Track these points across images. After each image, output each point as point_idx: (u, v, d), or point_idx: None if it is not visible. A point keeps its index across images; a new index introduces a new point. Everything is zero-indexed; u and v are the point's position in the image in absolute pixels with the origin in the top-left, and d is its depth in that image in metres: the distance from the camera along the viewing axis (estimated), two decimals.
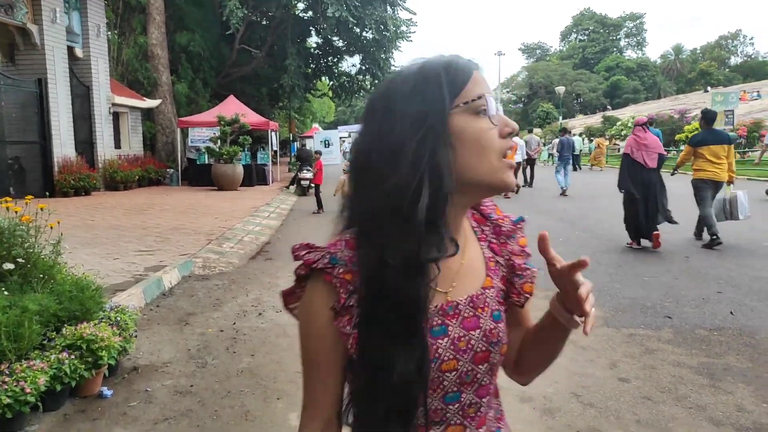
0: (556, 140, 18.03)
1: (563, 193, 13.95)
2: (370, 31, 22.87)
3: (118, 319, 3.40)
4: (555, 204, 12.24)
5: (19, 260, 3.28)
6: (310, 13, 24.00)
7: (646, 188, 7.01)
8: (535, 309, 0.92)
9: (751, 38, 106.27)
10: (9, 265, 3.19)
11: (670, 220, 7.18)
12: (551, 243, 0.79)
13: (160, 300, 4.98)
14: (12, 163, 11.38)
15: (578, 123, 49.47)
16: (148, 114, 18.28)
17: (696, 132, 7.93)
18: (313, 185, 12.44)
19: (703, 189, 7.26)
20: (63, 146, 12.36)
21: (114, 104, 15.03)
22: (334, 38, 25.21)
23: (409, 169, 0.71)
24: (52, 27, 12.02)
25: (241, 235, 7.94)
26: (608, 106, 62.58)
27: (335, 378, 0.79)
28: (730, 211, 7.26)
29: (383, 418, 0.73)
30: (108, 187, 14.12)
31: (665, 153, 7.56)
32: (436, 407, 0.80)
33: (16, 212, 3.42)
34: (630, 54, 79.71)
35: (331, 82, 28.39)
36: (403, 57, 44.87)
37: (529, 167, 16.44)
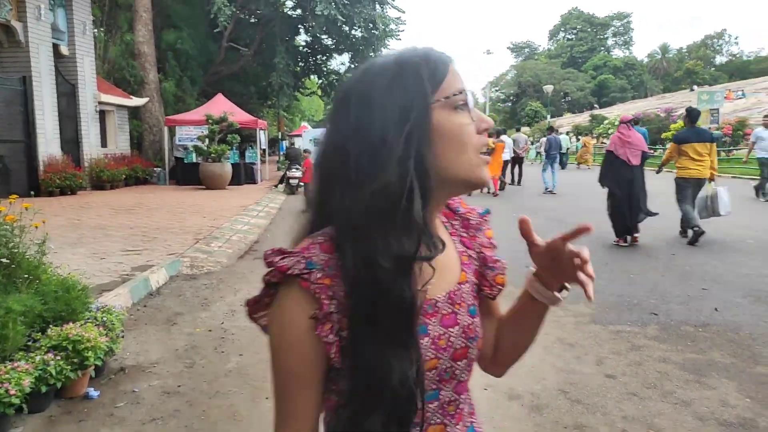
0: (544, 139, 18.14)
1: (547, 191, 14.10)
2: (359, 30, 22.86)
3: (105, 319, 3.37)
4: (543, 202, 12.31)
5: (3, 260, 3.24)
6: (298, 11, 23.92)
7: (629, 185, 7.14)
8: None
9: (736, 38, 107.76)
10: None
11: (650, 213, 7.35)
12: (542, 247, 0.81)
13: (147, 300, 4.94)
14: None
15: (566, 122, 49.74)
16: (134, 112, 18.11)
17: (680, 129, 8.08)
18: (302, 184, 12.41)
19: (685, 188, 7.46)
20: (48, 145, 12.22)
21: (100, 102, 14.87)
22: (323, 36, 25.17)
23: (396, 168, 0.69)
24: (37, 24, 11.87)
25: (230, 234, 7.90)
26: (596, 105, 62.98)
27: (316, 390, 0.75)
28: (712, 208, 7.41)
29: (383, 425, 0.70)
30: (94, 186, 13.98)
31: (648, 151, 7.71)
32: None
33: (0, 212, 3.38)
34: (617, 53, 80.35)
35: (320, 81, 28.31)
36: None
37: (517, 166, 16.53)
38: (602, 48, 79.59)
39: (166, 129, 17.29)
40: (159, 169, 17.05)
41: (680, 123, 22.64)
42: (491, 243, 0.91)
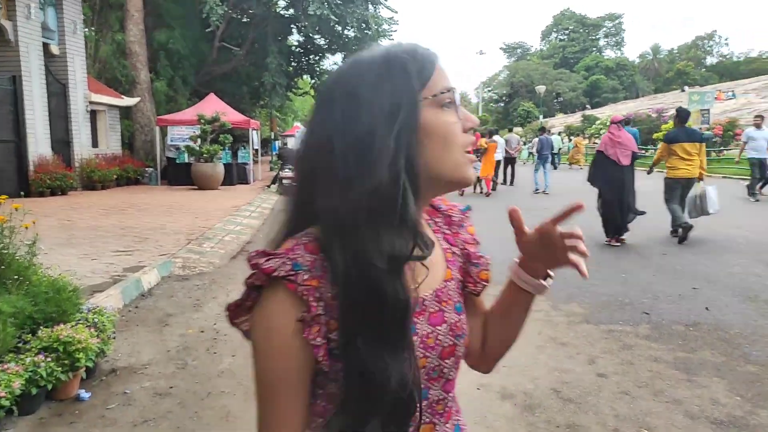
0: (536, 139, 18.22)
1: (538, 192, 14.19)
2: (352, 30, 22.84)
3: (96, 320, 3.35)
4: (536, 202, 12.35)
5: None
6: (291, 11, 23.85)
7: (619, 185, 7.22)
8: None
9: (726, 39, 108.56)
10: None
11: (637, 212, 7.45)
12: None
13: (138, 301, 4.92)
14: None
15: (558, 122, 49.96)
16: (126, 112, 18.00)
17: (671, 129, 8.19)
18: None
19: (674, 188, 7.59)
20: (38, 145, 12.12)
21: (91, 102, 14.77)
22: (316, 36, 25.12)
23: (387, 167, 0.68)
24: (27, 23, 11.77)
25: (222, 235, 7.87)
26: (587, 106, 63.32)
27: (303, 396, 0.73)
28: (701, 207, 7.50)
29: (383, 427, 0.69)
30: (85, 186, 13.88)
31: (638, 151, 7.83)
32: None
33: None
34: (609, 54, 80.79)
35: (313, 81, 28.25)
36: None
37: (509, 166, 16.59)
38: (594, 49, 79.99)
39: (157, 129, 17.20)
40: (150, 169, 16.96)
41: (671, 123, 22.83)
42: (474, 239, 0.91)
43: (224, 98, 19.53)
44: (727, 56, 76.98)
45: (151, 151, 17.62)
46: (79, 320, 3.28)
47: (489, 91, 77.26)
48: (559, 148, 25.33)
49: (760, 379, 3.31)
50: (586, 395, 3.12)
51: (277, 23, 23.19)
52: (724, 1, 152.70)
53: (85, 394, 3.07)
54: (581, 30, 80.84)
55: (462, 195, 13.79)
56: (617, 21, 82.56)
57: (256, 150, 21.15)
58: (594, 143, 31.15)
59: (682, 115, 7.80)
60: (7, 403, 2.55)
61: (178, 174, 16.03)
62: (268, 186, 16.18)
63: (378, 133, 0.69)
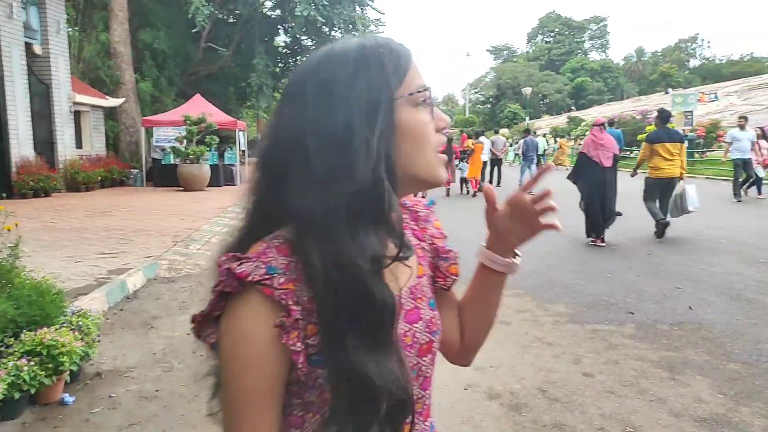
0: (522, 141, 18.35)
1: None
2: (339, 31, 22.80)
3: (80, 323, 3.31)
4: None
5: None
6: (278, 11, 23.80)
7: (601, 186, 7.32)
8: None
9: (709, 42, 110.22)
10: None
11: (615, 213, 7.59)
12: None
13: (124, 303, 4.87)
14: None
15: (544, 123, 50.31)
16: (110, 113, 17.81)
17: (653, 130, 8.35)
18: None
19: (655, 189, 7.79)
20: (21, 146, 11.94)
21: (75, 103, 14.59)
22: (303, 37, 25.06)
23: (368, 167, 0.66)
24: (9, 22, 11.60)
25: (209, 237, 7.82)
26: (573, 107, 63.86)
27: (277, 407, 0.69)
28: (681, 205, 7.64)
29: (379, 430, 0.67)
30: (69, 188, 13.70)
31: (620, 153, 8.00)
32: None
33: None
34: (594, 56, 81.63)
35: None
36: None
37: (496, 167, 16.69)
38: (579, 51, 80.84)
39: (143, 130, 17.04)
40: (136, 170, 16.79)
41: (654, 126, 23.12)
42: (441, 233, 0.90)
43: (210, 99, 19.39)
44: (710, 59, 78.14)
45: (136, 152, 17.44)
46: (63, 323, 3.24)
47: (476, 92, 77.67)
48: (545, 150, 25.49)
49: (742, 377, 3.36)
50: (572, 394, 3.15)
51: (263, 24, 23.12)
52: (705, 4, 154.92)
53: (69, 398, 3.04)
54: (567, 32, 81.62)
55: (447, 195, 13.84)
56: (602, 23, 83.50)
57: (243, 151, 21.03)
58: (579, 144, 31.44)
59: (663, 115, 7.98)
60: None
61: (164, 175, 15.88)
62: None
63: (356, 130, 0.66)
